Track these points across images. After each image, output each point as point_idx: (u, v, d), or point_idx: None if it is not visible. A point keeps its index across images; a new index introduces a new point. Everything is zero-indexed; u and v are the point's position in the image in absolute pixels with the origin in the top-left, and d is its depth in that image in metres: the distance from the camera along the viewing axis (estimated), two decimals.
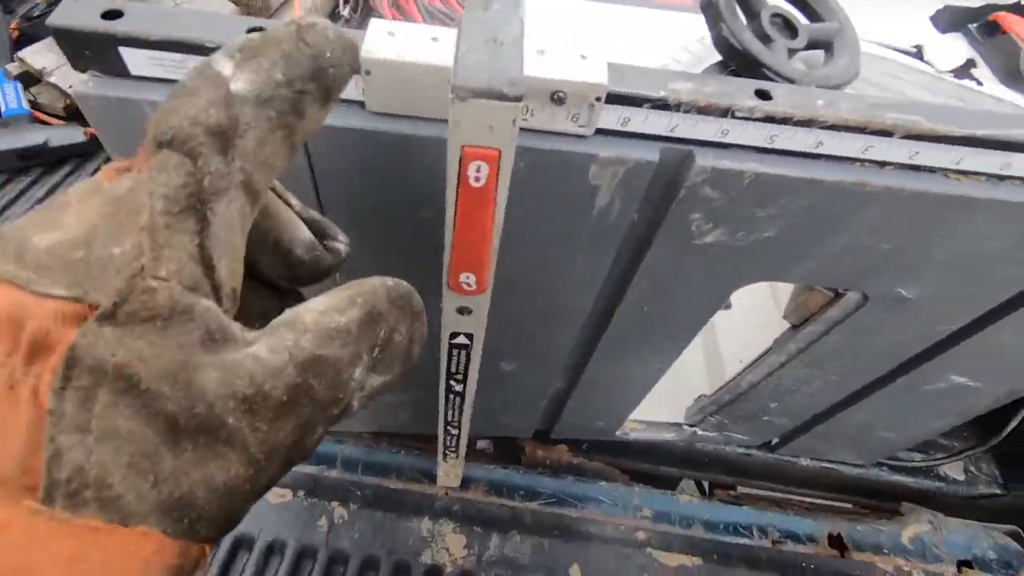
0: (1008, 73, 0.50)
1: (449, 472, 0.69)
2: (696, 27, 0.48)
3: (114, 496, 0.17)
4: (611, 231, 0.40)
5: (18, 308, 0.17)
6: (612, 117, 0.33)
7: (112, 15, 0.29)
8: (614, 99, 0.32)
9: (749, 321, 0.81)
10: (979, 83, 0.49)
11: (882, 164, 0.35)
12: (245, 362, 0.19)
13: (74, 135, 0.96)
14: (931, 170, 0.35)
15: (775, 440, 0.78)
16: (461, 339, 0.40)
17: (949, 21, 0.53)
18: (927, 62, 0.49)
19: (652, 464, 0.87)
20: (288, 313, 0.21)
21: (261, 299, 0.27)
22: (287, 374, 0.19)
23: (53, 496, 0.16)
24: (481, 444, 0.87)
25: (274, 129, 0.21)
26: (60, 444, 0.16)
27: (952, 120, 0.33)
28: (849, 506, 0.84)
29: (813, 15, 0.42)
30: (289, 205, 0.27)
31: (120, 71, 0.31)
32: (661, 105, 0.32)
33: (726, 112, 0.32)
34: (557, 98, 0.31)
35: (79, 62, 0.31)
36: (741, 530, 0.74)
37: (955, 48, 0.52)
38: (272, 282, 0.27)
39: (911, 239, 0.39)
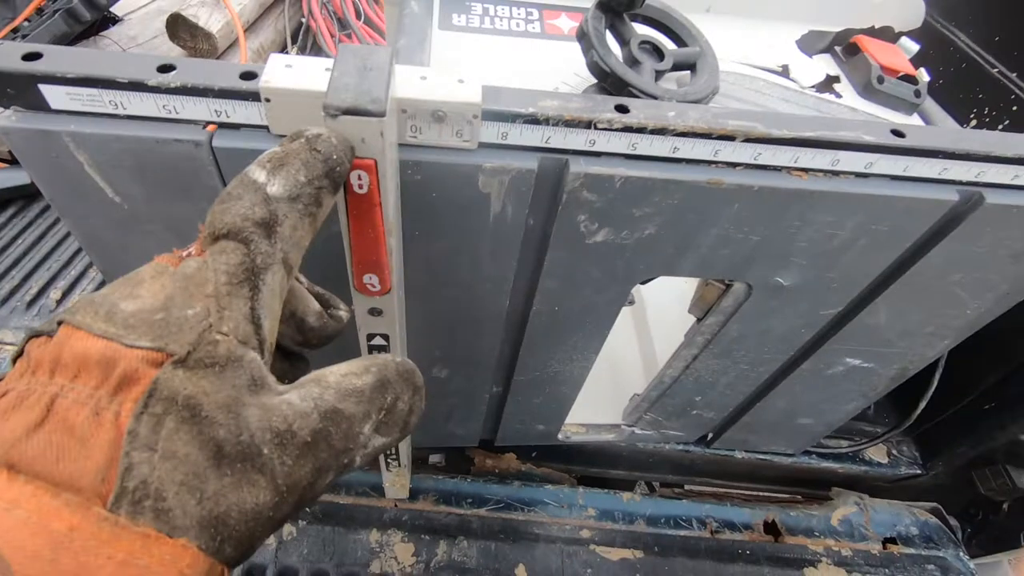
0: (864, 87, 0.57)
1: (395, 483, 0.71)
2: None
3: (167, 508, 0.21)
4: (510, 236, 0.44)
5: (112, 353, 0.22)
6: (492, 132, 0.37)
7: (32, 57, 0.33)
8: (491, 116, 0.37)
9: (679, 320, 0.86)
10: (838, 96, 0.56)
11: (733, 165, 0.40)
12: (281, 405, 0.24)
13: (18, 177, 0.98)
14: (775, 168, 0.41)
15: (710, 435, 0.83)
16: (378, 340, 0.44)
17: (814, 44, 0.60)
18: (792, 79, 0.55)
19: (601, 468, 0.90)
20: (314, 373, 0.26)
21: (276, 360, 0.32)
22: (312, 419, 0.24)
23: (120, 502, 0.20)
24: (433, 459, 0.89)
25: (303, 217, 0.27)
26: (133, 459, 0.21)
27: (784, 125, 0.39)
28: (786, 495, 0.89)
29: (679, 41, 0.48)
30: (300, 282, 0.34)
31: (41, 106, 0.34)
32: (532, 120, 0.37)
33: (590, 124, 0.37)
34: (438, 116, 0.35)
35: (2, 100, 0.34)
36: (681, 523, 0.78)
37: (819, 67, 0.58)
38: (284, 347, 0.33)
39: (772, 230, 0.44)
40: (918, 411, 0.79)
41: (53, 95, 0.34)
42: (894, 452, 0.88)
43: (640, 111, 0.38)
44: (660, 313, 0.87)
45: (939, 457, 0.85)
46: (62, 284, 0.89)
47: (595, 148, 0.39)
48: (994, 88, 0.85)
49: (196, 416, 0.22)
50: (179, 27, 1.21)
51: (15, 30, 1.14)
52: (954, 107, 0.95)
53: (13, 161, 1.01)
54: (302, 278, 0.35)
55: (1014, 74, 0.83)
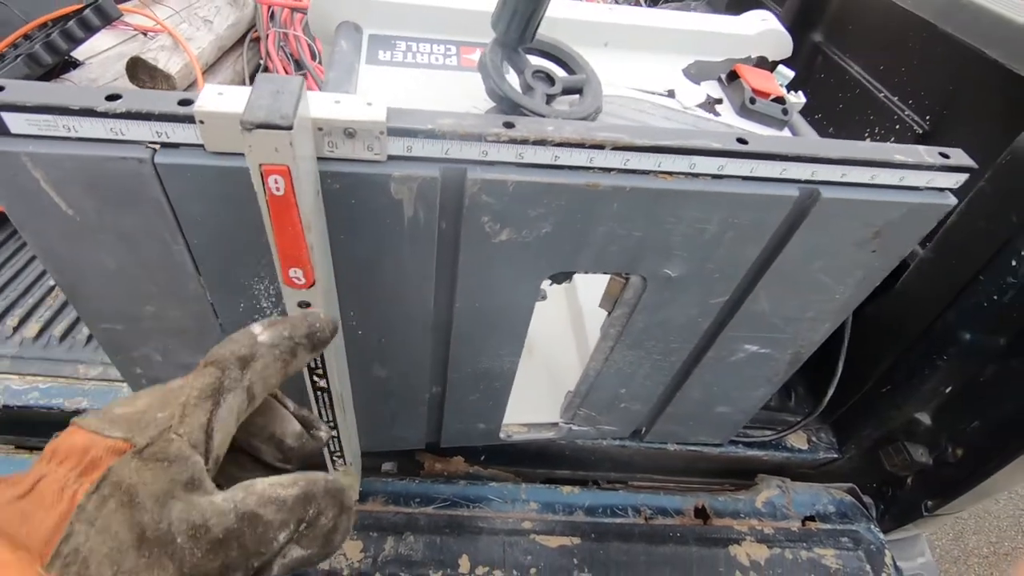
0: (740, 108, 0.66)
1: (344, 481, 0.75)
2: None
3: (88, 574, 0.26)
4: (424, 238, 0.50)
5: (89, 443, 0.28)
6: (398, 145, 0.44)
7: None
8: (397, 132, 0.43)
9: None
10: (717, 114, 0.65)
11: (607, 170, 0.48)
12: (203, 502, 0.29)
13: None
14: (643, 172, 0.48)
15: (643, 429, 0.89)
16: None
17: (700, 73, 0.70)
18: (678, 101, 0.64)
19: (547, 468, 0.95)
20: (249, 480, 0.32)
21: (259, 473, 0.37)
22: (228, 519, 0.29)
23: (54, 563, 0.25)
24: (386, 467, 0.93)
25: (276, 360, 0.35)
26: (74, 529, 0.26)
27: (647, 136, 0.47)
28: (717, 485, 0.95)
29: (568, 69, 0.56)
30: (285, 406, 0.40)
31: (1, 131, 0.40)
32: (431, 135, 0.44)
33: (480, 137, 0.44)
34: (349, 133, 0.42)
35: None
36: (617, 511, 0.83)
37: (701, 91, 0.68)
38: (270, 464, 0.38)
39: (651, 226, 0.52)
40: (827, 398, 0.87)
41: (13, 121, 0.39)
42: (813, 439, 0.95)
43: (524, 126, 0.45)
44: (595, 313, 0.94)
45: (851, 440, 0.92)
46: (19, 311, 0.92)
47: (488, 158, 0.46)
48: (882, 110, 0.96)
49: (132, 501, 0.27)
50: (139, 69, 1.27)
51: None
52: (851, 127, 1.07)
53: None
54: (289, 403, 0.41)
55: (895, 97, 0.94)
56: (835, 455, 0.93)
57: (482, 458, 0.92)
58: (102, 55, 1.31)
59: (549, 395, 0.88)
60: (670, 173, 0.49)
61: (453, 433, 0.82)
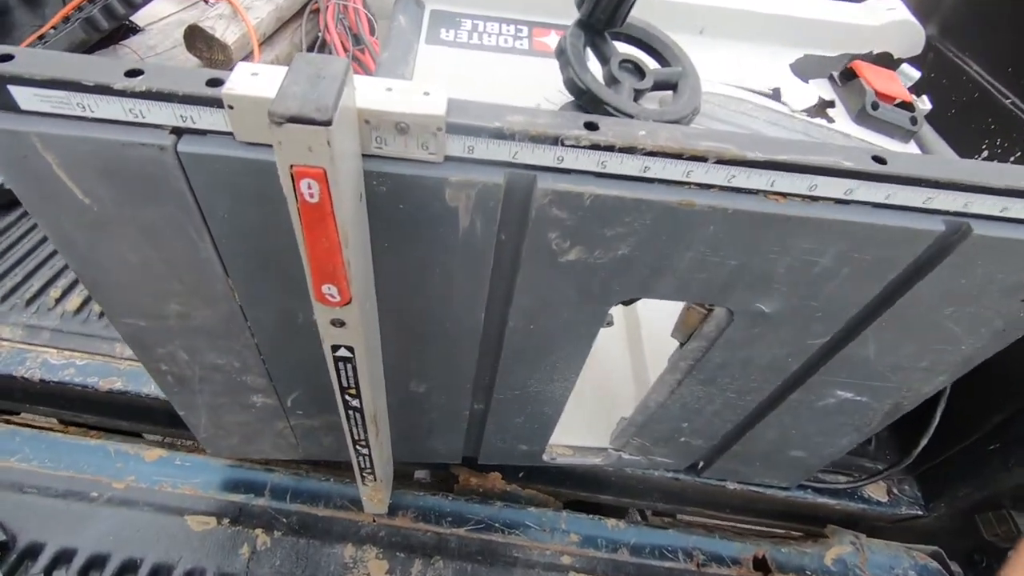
0: (858, 113, 0.56)
1: (373, 497, 0.70)
2: None
3: None
4: (480, 250, 0.43)
5: None
6: (458, 145, 0.37)
7: (3, 58, 0.33)
8: (457, 129, 0.36)
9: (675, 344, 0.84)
10: (831, 120, 0.55)
11: (706, 186, 0.39)
12: None
13: None
14: (750, 192, 0.40)
15: (700, 464, 0.80)
16: (343, 352, 0.43)
17: (809, 69, 0.59)
18: (783, 102, 0.54)
19: (590, 492, 0.88)
20: None
21: None
22: None
23: None
24: (419, 475, 0.88)
25: None
26: None
27: (758, 147, 0.38)
28: (779, 530, 0.85)
29: (662, 60, 0.48)
30: None
31: (10, 106, 0.34)
32: (498, 134, 0.36)
33: (556, 140, 0.37)
34: (401, 128, 0.35)
35: None
36: (667, 553, 0.75)
37: (812, 91, 0.57)
38: None
39: (751, 255, 0.43)
40: (919, 448, 0.76)
41: (22, 96, 0.34)
42: (894, 490, 0.84)
43: (609, 129, 0.37)
44: (655, 334, 0.85)
45: (941, 498, 0.81)
46: (62, 283, 0.90)
47: (563, 165, 0.38)
48: (1007, 119, 0.82)
49: None
50: (196, 38, 1.24)
51: (42, 37, 1.18)
52: (965, 138, 0.93)
53: None
54: None
55: None
56: (919, 512, 0.82)
57: (520, 475, 0.85)
58: (162, 22, 1.29)
59: (598, 417, 0.81)
60: (783, 194, 0.40)
61: (493, 451, 0.75)
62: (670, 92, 0.48)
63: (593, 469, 0.81)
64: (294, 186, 0.30)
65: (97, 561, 0.64)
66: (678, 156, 0.37)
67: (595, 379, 0.86)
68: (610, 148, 0.37)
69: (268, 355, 0.55)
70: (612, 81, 0.44)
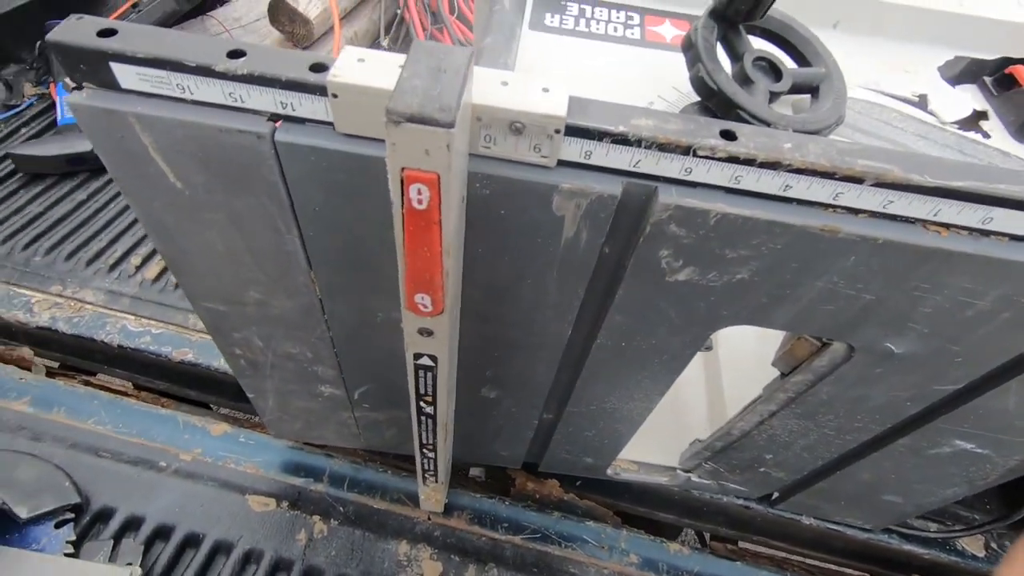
0: (1020, 128, 0.48)
1: (431, 496, 0.68)
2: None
3: None
4: (580, 264, 0.39)
5: None
6: (574, 149, 0.33)
7: (107, 33, 0.32)
8: (575, 132, 0.32)
9: (756, 368, 0.79)
10: (986, 135, 0.47)
11: (855, 211, 0.34)
12: None
13: None
14: (908, 220, 0.34)
15: (775, 495, 0.75)
16: (425, 360, 0.40)
17: (960, 73, 0.52)
18: (931, 112, 0.47)
19: (648, 508, 0.84)
20: None
21: None
22: None
23: None
24: (474, 472, 0.86)
25: None
26: None
27: (927, 170, 0.32)
28: (855, 573, 0.79)
29: (800, 59, 0.42)
30: None
31: (111, 84, 0.33)
32: (622, 140, 0.32)
33: (688, 150, 0.32)
34: (515, 128, 0.31)
35: (76, 76, 0.33)
36: None
37: (963, 100, 0.50)
38: None
39: (893, 291, 0.37)
40: None
41: (123, 74, 0.32)
42: (993, 545, 0.76)
43: (750, 139, 0.32)
44: (734, 355, 0.80)
45: None
46: (143, 251, 0.92)
47: (691, 178, 0.33)
48: None
49: None
50: (279, 11, 1.24)
51: (135, 5, 1.21)
52: None
53: None
54: None
55: None
56: None
57: (578, 484, 0.82)
58: None
59: (666, 435, 0.76)
60: (948, 226, 0.34)
61: (556, 461, 0.72)
62: (806, 97, 0.42)
63: (656, 485, 0.77)
64: (402, 191, 0.27)
65: (163, 532, 0.66)
66: (829, 176, 0.32)
67: (666, 396, 0.81)
68: (749, 162, 0.32)
69: (341, 349, 0.53)
70: (745, 81, 0.39)
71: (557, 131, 0.31)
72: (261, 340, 0.53)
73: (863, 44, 0.52)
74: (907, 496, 0.65)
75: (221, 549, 0.66)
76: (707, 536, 0.92)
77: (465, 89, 0.26)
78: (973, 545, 0.76)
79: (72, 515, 0.63)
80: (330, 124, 0.34)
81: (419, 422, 0.50)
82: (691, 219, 0.34)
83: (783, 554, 0.81)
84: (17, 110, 1.11)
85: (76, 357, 0.86)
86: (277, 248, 0.42)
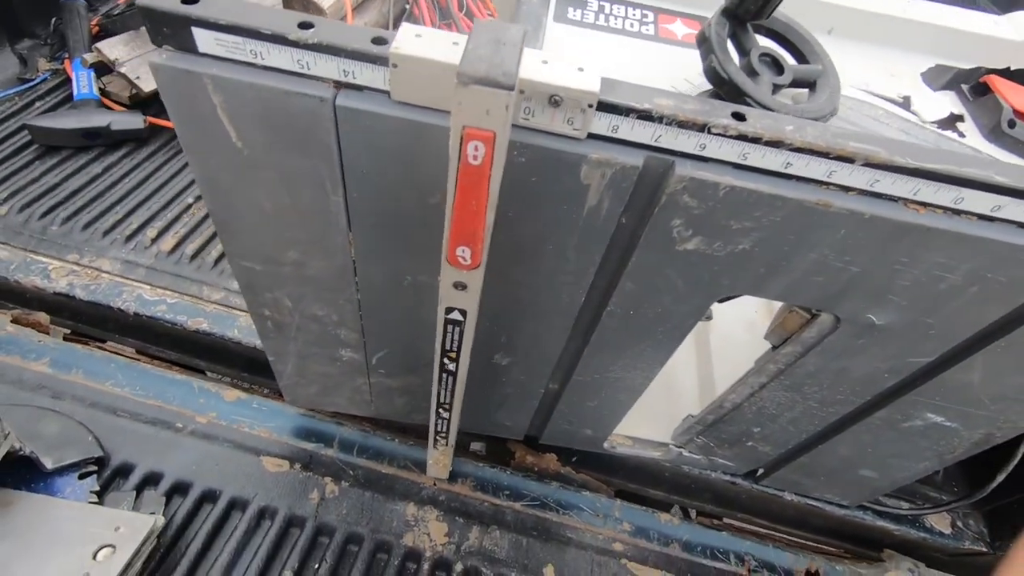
0: (991, 130, 0.53)
1: (439, 461, 0.72)
2: (698, 63, 0.53)
3: None
4: (599, 231, 0.44)
5: None
6: (603, 123, 0.37)
7: (190, 0, 0.35)
8: (605, 107, 0.37)
9: (744, 346, 0.84)
10: (962, 135, 0.53)
11: (846, 189, 0.39)
12: None
13: (135, 121, 1.05)
14: (891, 198, 0.39)
15: (760, 471, 0.80)
16: (455, 315, 0.44)
17: (940, 79, 0.57)
18: (913, 112, 0.52)
19: (639, 484, 0.88)
20: None
21: None
22: None
23: None
24: (475, 446, 0.90)
25: None
26: None
27: (908, 153, 0.37)
28: (832, 549, 0.84)
29: (800, 57, 0.47)
30: None
31: (190, 48, 0.36)
32: (646, 116, 0.37)
33: (703, 128, 0.37)
34: (554, 101, 0.35)
35: (158, 37, 0.36)
36: (718, 554, 0.75)
37: (943, 103, 0.55)
38: None
39: (876, 264, 0.42)
40: (994, 484, 0.73)
41: (202, 39, 0.36)
42: (959, 524, 0.82)
43: (757, 120, 0.37)
44: (724, 334, 0.85)
45: (1010, 538, 0.78)
46: (158, 224, 0.95)
47: (704, 153, 0.38)
48: None
49: None
50: (293, 0, 1.27)
51: None
52: None
53: (132, 107, 1.09)
54: None
55: None
56: (983, 548, 0.80)
57: (574, 459, 0.86)
58: None
59: (657, 411, 0.81)
60: (925, 204, 0.39)
61: (556, 432, 0.76)
62: (804, 90, 0.47)
63: (648, 462, 0.82)
64: (461, 147, 0.31)
65: (181, 487, 0.68)
66: (824, 155, 0.37)
67: (659, 376, 0.86)
68: (756, 140, 0.37)
69: (366, 311, 0.57)
70: (751, 73, 0.44)
71: (590, 105, 0.36)
72: (291, 301, 0.57)
73: (854, 49, 0.57)
74: (882, 470, 0.70)
75: (237, 505, 0.69)
76: (692, 512, 0.97)
77: (520, 60, 0.30)
78: (940, 523, 0.81)
79: (95, 468, 0.66)
80: (386, 93, 0.37)
81: (440, 380, 0.53)
82: (702, 191, 0.39)
83: (764, 530, 0.86)
84: (32, 84, 1.13)
85: (90, 324, 0.88)
86: (321, 208, 0.45)
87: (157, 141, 1.09)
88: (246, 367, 0.89)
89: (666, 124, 0.37)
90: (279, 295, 0.56)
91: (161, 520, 0.61)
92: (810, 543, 0.84)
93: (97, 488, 0.64)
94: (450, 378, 0.53)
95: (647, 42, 0.54)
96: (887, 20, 0.58)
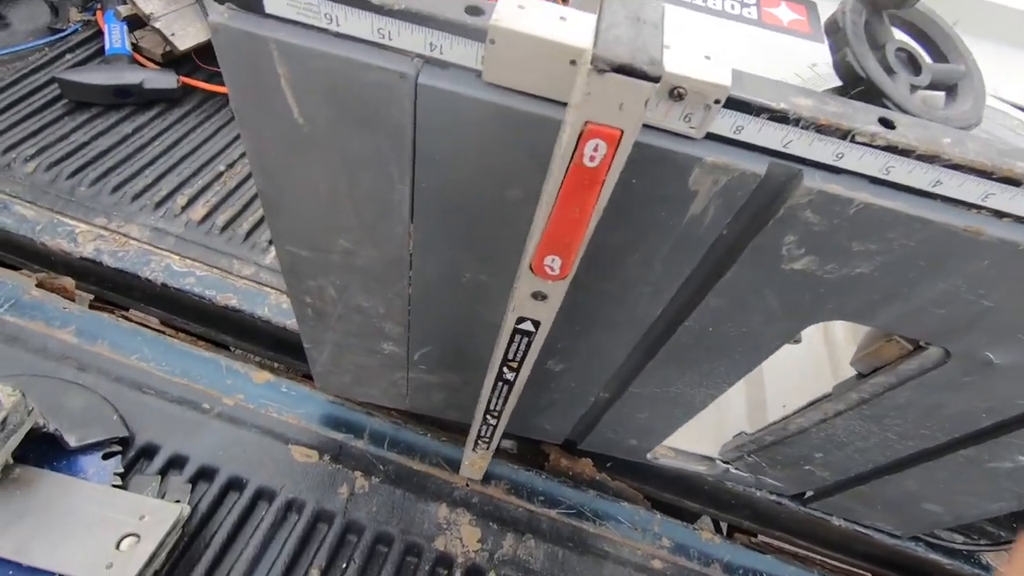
0: None
1: (475, 463, 0.68)
2: (807, 54, 0.47)
3: None
4: (697, 242, 0.39)
5: None
6: (725, 123, 0.32)
7: None
8: (732, 104, 0.31)
9: (799, 363, 0.78)
10: None
11: (1000, 214, 0.33)
12: None
13: (168, 80, 1.00)
14: None
15: (810, 492, 0.75)
16: (527, 325, 0.40)
17: None
18: None
19: (676, 495, 0.84)
20: None
21: None
22: None
23: None
24: (505, 444, 0.86)
25: None
26: None
27: None
28: None
29: (939, 55, 0.41)
30: None
31: (255, 7, 0.32)
32: (779, 118, 0.31)
33: (846, 135, 0.31)
34: (677, 94, 0.30)
35: None
36: None
37: None
38: None
39: (1015, 299, 0.37)
40: None
41: None
42: None
43: (908, 130, 0.31)
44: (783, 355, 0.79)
45: None
46: (189, 191, 0.91)
47: (840, 163, 0.33)
48: None
49: None
50: None
51: None
52: None
53: (166, 65, 1.04)
54: None
55: None
56: None
57: (608, 465, 0.82)
58: None
59: (702, 424, 0.76)
60: None
61: (599, 441, 0.72)
62: (940, 94, 0.41)
63: (687, 473, 0.78)
64: (576, 145, 0.26)
65: (206, 472, 0.66)
66: (986, 175, 0.31)
67: None
68: (906, 153, 0.31)
69: (416, 306, 0.52)
70: (887, 70, 0.38)
71: (717, 101, 0.30)
72: (336, 290, 0.53)
73: (982, 47, 0.51)
74: (949, 507, 0.65)
75: (264, 495, 0.66)
76: (724, 526, 0.94)
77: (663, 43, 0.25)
78: (999, 561, 0.77)
79: (119, 448, 0.63)
80: (476, 72, 0.32)
81: (494, 387, 0.49)
82: (830, 206, 0.34)
83: (804, 552, 0.82)
84: (63, 35, 1.08)
85: (116, 292, 0.85)
86: (383, 196, 0.41)
87: (189, 103, 1.04)
88: (274, 347, 0.85)
89: (802, 128, 0.31)
90: (324, 283, 0.52)
91: (187, 510, 0.59)
92: (854, 570, 0.80)
93: (121, 470, 0.61)
94: (506, 387, 0.49)
95: (749, 27, 0.48)
96: (1021, 15, 0.51)
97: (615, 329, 0.49)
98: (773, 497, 0.77)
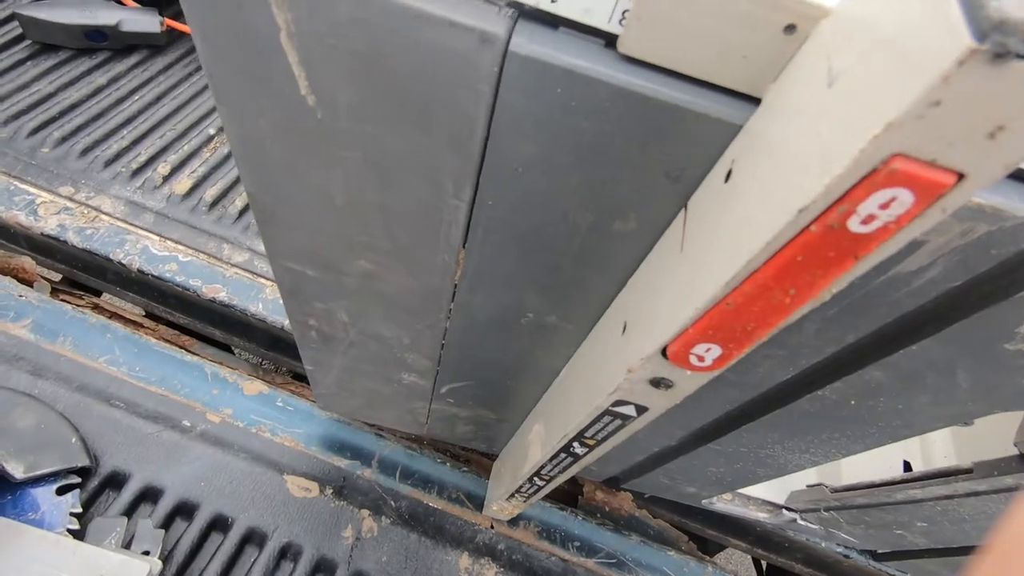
0: None
1: (504, 509, 0.57)
2: None
3: None
4: (888, 305, 0.26)
5: None
6: None
7: None
8: None
9: None
10: None
11: None
12: None
13: (150, 23, 0.85)
14: None
15: (881, 551, 0.65)
16: (628, 409, 0.28)
17: None
18: None
19: (720, 533, 0.75)
20: None
21: None
22: None
23: None
24: None
25: None
26: None
27: None
28: None
29: None
30: None
31: None
32: None
33: None
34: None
35: None
36: None
37: None
38: None
39: None
40: None
41: None
42: None
43: None
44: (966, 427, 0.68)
45: None
46: (172, 158, 0.77)
47: None
48: None
49: None
50: None
51: None
52: None
53: (147, 4, 0.89)
54: None
55: None
56: None
57: (646, 496, 0.72)
58: None
59: None
60: None
61: (650, 484, 0.61)
62: None
63: (743, 516, 0.67)
64: (847, 194, 0.14)
65: (185, 509, 0.55)
66: None
67: None
68: None
69: (452, 341, 0.40)
70: None
71: None
72: (348, 316, 0.41)
73: None
74: None
75: (253, 538, 0.55)
76: (764, 564, 0.84)
77: None
78: None
79: (78, 480, 0.52)
80: (605, 36, 0.19)
81: (555, 458, 0.38)
82: None
83: None
84: None
85: (84, 273, 0.72)
86: (427, 212, 0.28)
87: (175, 51, 0.90)
88: (269, 345, 0.74)
89: None
90: (334, 307, 0.40)
91: (158, 566, 0.48)
92: None
93: (79, 509, 0.50)
94: (571, 460, 0.37)
95: None
96: None
97: (717, 390, 0.38)
98: (840, 549, 0.67)
